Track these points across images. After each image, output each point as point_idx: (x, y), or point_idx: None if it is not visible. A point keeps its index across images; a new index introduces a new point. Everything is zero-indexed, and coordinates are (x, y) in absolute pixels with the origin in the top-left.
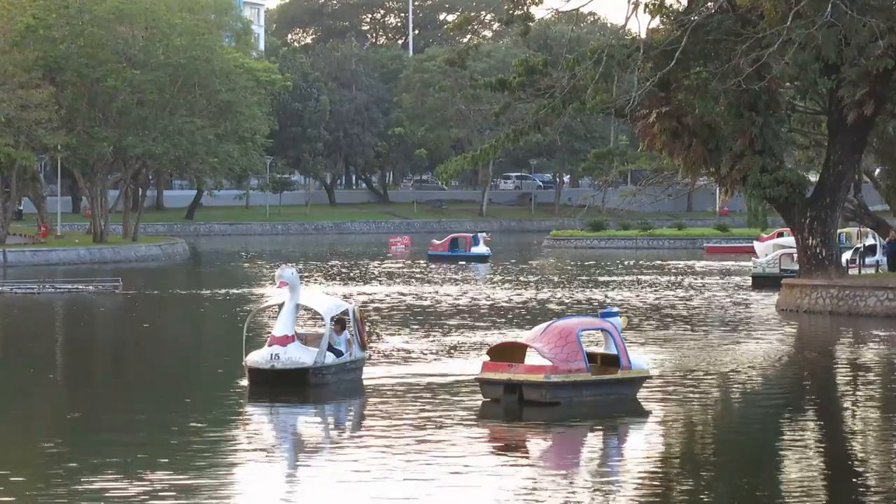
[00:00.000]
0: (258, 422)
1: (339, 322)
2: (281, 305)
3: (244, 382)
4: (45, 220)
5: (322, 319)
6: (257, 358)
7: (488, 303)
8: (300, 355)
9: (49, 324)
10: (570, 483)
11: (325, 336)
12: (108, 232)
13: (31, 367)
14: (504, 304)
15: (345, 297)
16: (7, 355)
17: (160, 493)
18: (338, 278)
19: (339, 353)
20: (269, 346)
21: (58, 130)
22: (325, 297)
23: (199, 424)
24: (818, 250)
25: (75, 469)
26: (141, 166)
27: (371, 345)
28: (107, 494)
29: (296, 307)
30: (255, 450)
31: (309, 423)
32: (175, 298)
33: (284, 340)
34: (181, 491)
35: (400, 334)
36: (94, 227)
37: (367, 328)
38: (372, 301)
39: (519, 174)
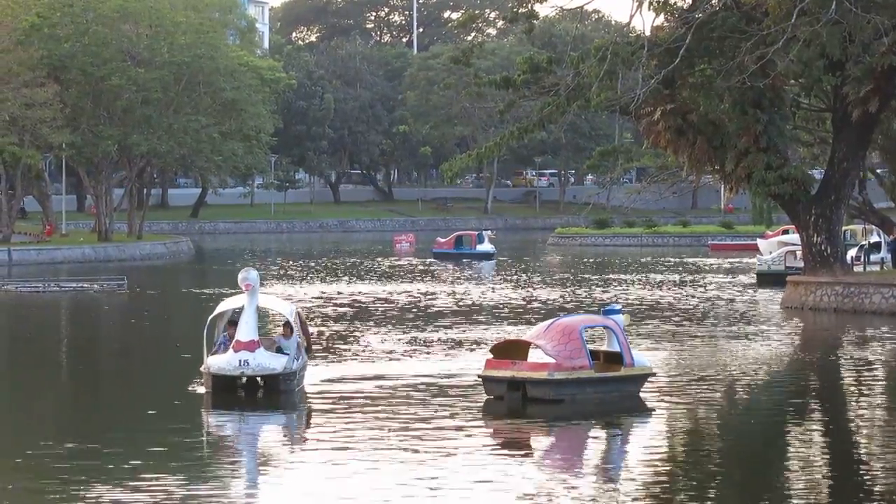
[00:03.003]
0: (245, 430)
1: (287, 325)
2: (236, 309)
3: (200, 389)
4: (50, 219)
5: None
6: (223, 364)
7: (492, 300)
8: (269, 361)
9: (54, 323)
10: (574, 480)
11: (293, 340)
12: (113, 230)
13: (33, 368)
14: (508, 302)
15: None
16: (11, 354)
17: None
18: (343, 276)
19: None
20: (236, 351)
21: (62, 129)
22: (282, 300)
23: (197, 430)
24: (823, 247)
25: (69, 476)
26: (146, 164)
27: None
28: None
29: (256, 310)
30: (247, 457)
31: (309, 428)
32: (179, 297)
33: (252, 346)
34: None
35: (403, 332)
36: (98, 226)
37: (311, 331)
38: (378, 299)
39: (552, 172)
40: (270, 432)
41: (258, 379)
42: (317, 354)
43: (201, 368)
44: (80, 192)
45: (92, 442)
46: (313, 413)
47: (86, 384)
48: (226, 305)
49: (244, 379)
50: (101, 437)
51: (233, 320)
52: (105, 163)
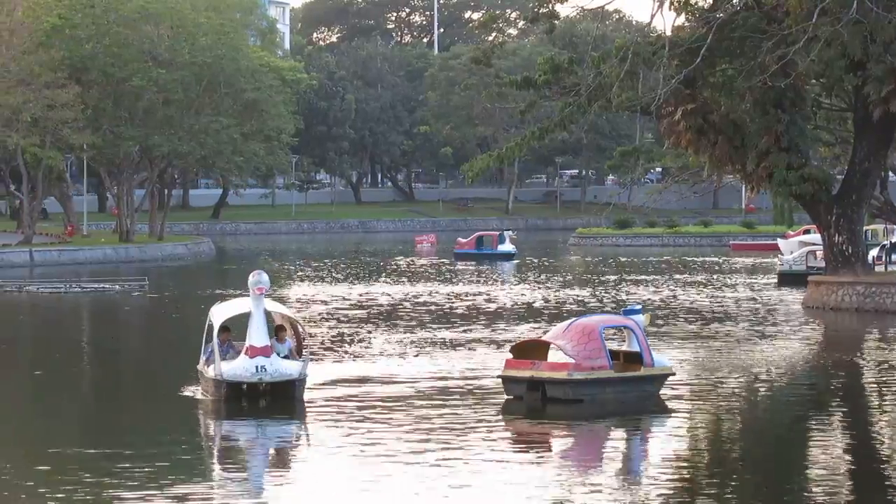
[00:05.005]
0: (262, 436)
1: (282, 329)
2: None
3: (191, 394)
4: (72, 220)
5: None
6: (238, 370)
7: (513, 301)
8: (286, 367)
9: (75, 324)
10: (594, 481)
11: (287, 344)
12: (135, 231)
13: (53, 370)
14: (528, 302)
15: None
16: (32, 356)
17: None
18: (364, 277)
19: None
20: (251, 357)
21: (84, 130)
22: (279, 304)
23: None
24: (844, 247)
25: (86, 481)
26: (167, 165)
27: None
28: None
29: (265, 314)
30: (275, 464)
31: (327, 431)
32: (200, 299)
33: (267, 351)
34: None
35: (422, 332)
36: (120, 227)
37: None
38: (399, 299)
39: (573, 172)
40: (289, 438)
41: (263, 385)
42: (337, 355)
43: (213, 375)
44: (102, 192)
45: (108, 447)
46: (331, 415)
47: (104, 387)
48: (231, 311)
49: (245, 386)
50: (117, 442)
51: (224, 325)
52: (126, 164)
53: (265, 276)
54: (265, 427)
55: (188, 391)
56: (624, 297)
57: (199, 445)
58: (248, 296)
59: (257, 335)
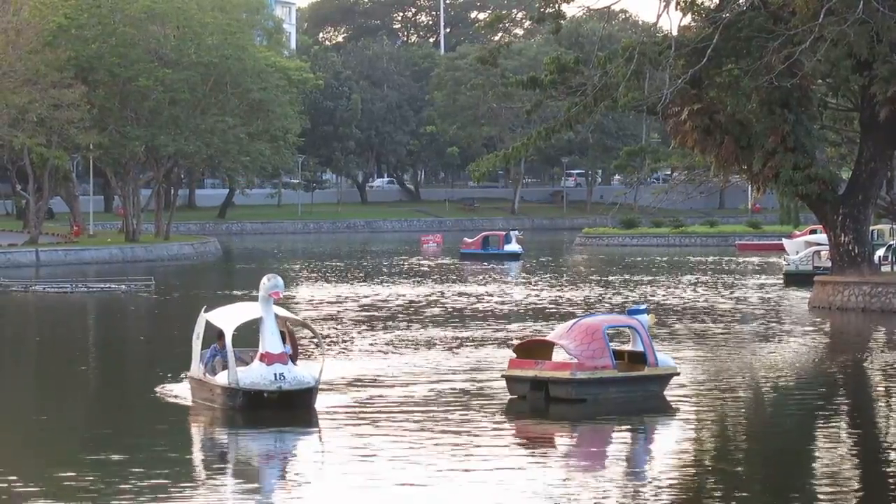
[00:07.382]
0: (272, 445)
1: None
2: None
3: (176, 398)
4: (78, 220)
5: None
6: (255, 378)
7: (518, 300)
8: (303, 374)
9: (81, 324)
10: (598, 480)
11: (287, 349)
12: (141, 231)
13: (58, 372)
14: (534, 302)
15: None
16: (38, 357)
17: None
18: (369, 277)
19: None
20: (269, 364)
21: (90, 130)
22: (280, 308)
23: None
24: (850, 247)
25: (92, 491)
26: (173, 165)
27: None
28: None
29: (275, 319)
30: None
31: (336, 434)
32: (207, 299)
33: (283, 358)
34: None
35: (427, 331)
36: (126, 227)
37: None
38: (404, 299)
39: (579, 172)
40: (304, 446)
41: (265, 394)
42: (339, 357)
43: (225, 383)
44: (108, 192)
45: (115, 454)
46: (339, 420)
47: (109, 390)
48: (239, 316)
49: (252, 392)
50: (124, 449)
51: (221, 332)
52: (132, 163)
53: (280, 281)
54: (280, 435)
55: (190, 397)
56: (630, 296)
57: (213, 454)
58: (240, 301)
59: (272, 342)
